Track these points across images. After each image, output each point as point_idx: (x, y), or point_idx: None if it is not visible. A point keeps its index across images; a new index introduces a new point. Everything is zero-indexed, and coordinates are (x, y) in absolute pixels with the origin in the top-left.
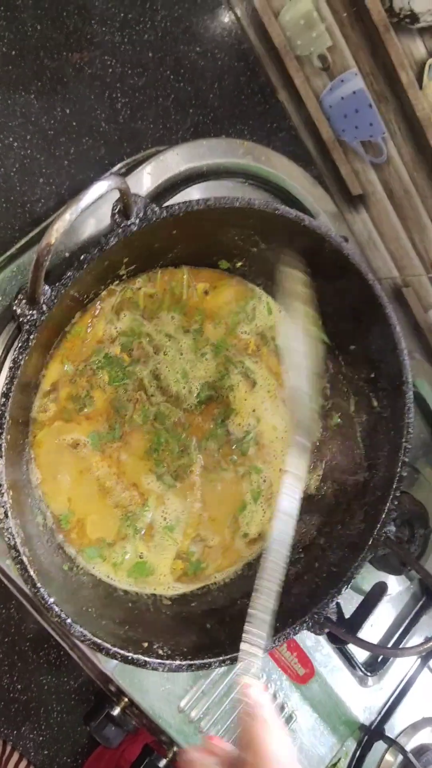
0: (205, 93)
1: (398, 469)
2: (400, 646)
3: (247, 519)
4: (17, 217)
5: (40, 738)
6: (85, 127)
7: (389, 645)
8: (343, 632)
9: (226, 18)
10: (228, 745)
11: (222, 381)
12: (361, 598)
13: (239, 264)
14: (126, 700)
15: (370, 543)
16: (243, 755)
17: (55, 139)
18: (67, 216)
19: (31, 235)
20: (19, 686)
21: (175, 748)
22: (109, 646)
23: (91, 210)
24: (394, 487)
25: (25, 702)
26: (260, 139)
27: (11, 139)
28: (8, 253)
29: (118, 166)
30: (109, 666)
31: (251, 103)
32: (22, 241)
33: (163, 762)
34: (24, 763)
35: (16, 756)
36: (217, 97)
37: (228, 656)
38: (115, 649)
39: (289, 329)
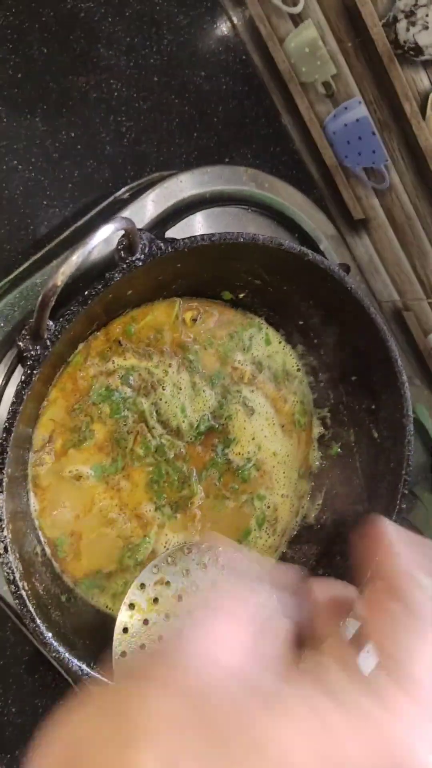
0: (209, 117)
1: (398, 501)
2: None
3: (251, 545)
4: (20, 240)
5: None
6: (89, 150)
7: None
8: None
9: (232, 43)
10: None
11: (221, 410)
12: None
13: (242, 295)
14: None
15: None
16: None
17: (59, 162)
18: (74, 258)
19: (33, 258)
20: (13, 709)
21: None
22: (107, 681)
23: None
24: (393, 518)
25: (19, 726)
26: (263, 163)
27: (15, 162)
28: (10, 277)
29: (123, 190)
30: None
31: (255, 127)
32: (25, 265)
33: None
34: None
35: None
36: (222, 121)
37: None
38: (113, 683)
39: None
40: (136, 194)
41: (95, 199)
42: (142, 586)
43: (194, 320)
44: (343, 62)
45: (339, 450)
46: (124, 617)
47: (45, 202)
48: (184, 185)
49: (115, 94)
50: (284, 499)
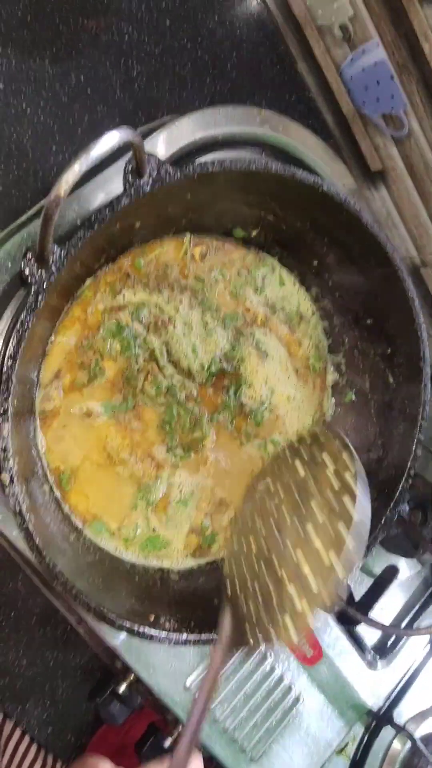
0: (222, 62)
1: (414, 447)
2: None
3: None
4: (29, 185)
5: (45, 715)
6: (99, 95)
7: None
8: (354, 610)
9: None
10: None
11: (233, 353)
12: (371, 581)
13: (255, 233)
14: (132, 677)
15: (383, 522)
16: None
17: (68, 107)
18: (77, 167)
19: (41, 203)
20: (24, 661)
21: (180, 727)
22: (114, 617)
23: (101, 183)
24: (408, 465)
25: (30, 678)
26: (278, 111)
27: (24, 105)
28: (19, 221)
29: None
30: (116, 641)
31: (270, 73)
32: (33, 210)
33: (168, 741)
34: (26, 742)
35: (18, 733)
36: (235, 67)
37: None
38: (121, 620)
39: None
40: (146, 135)
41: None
42: None
43: (203, 256)
44: (360, 3)
45: (353, 396)
46: None
47: (54, 148)
48: (195, 126)
49: (126, 37)
50: None
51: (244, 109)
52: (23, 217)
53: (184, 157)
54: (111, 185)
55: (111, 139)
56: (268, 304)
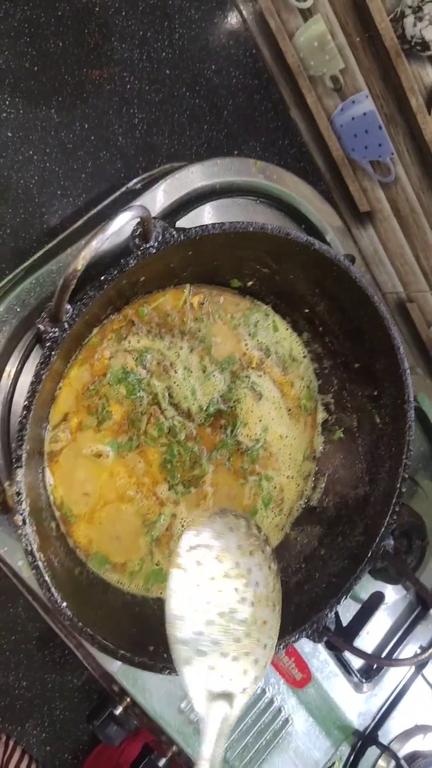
0: (219, 109)
1: (398, 485)
2: (395, 656)
3: (259, 523)
4: (35, 228)
5: (43, 735)
6: (102, 142)
7: (385, 653)
8: (341, 642)
9: (242, 38)
10: None
11: (229, 394)
12: (358, 606)
13: (251, 283)
14: (128, 700)
15: (369, 555)
16: None
17: (73, 153)
18: (94, 244)
19: (48, 246)
20: (24, 683)
21: (174, 748)
22: (115, 648)
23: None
24: (393, 501)
25: (29, 699)
26: (272, 155)
27: (31, 152)
28: (26, 265)
29: (134, 181)
30: (113, 667)
31: (264, 120)
32: (39, 253)
33: (162, 761)
34: (26, 760)
35: (18, 752)
36: (231, 114)
37: None
38: (122, 651)
39: None
40: (148, 185)
41: (107, 190)
42: (190, 548)
43: (201, 304)
44: (351, 56)
45: (342, 435)
46: (175, 582)
47: (59, 192)
48: (194, 176)
49: (128, 86)
50: (290, 480)
51: (241, 161)
52: (30, 260)
53: (183, 206)
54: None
55: (124, 218)
56: (262, 348)
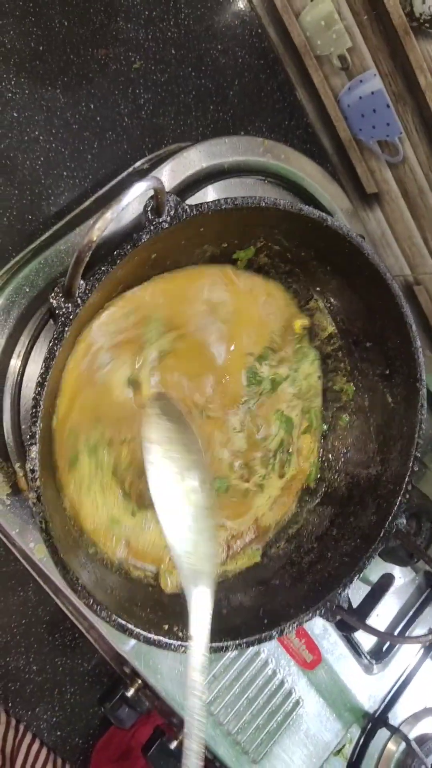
0: (225, 90)
1: (410, 464)
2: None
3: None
4: (41, 210)
5: (53, 719)
6: (108, 122)
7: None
8: (354, 620)
9: (248, 17)
10: None
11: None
12: (368, 589)
13: (263, 260)
14: (140, 681)
15: (381, 534)
16: None
17: (79, 134)
18: (109, 215)
19: (55, 228)
20: (34, 668)
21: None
22: (132, 627)
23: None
24: (406, 481)
25: (39, 683)
26: (278, 136)
27: (37, 133)
28: (32, 246)
29: (141, 161)
30: (126, 648)
31: (270, 100)
32: (46, 234)
33: (174, 744)
34: (37, 744)
35: (29, 737)
36: (237, 94)
37: (244, 640)
38: (138, 630)
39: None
40: (155, 165)
41: (114, 171)
42: None
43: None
44: (358, 35)
45: (353, 415)
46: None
47: (65, 173)
48: (202, 156)
49: (134, 66)
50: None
51: (248, 140)
52: (37, 242)
53: (191, 185)
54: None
55: (139, 188)
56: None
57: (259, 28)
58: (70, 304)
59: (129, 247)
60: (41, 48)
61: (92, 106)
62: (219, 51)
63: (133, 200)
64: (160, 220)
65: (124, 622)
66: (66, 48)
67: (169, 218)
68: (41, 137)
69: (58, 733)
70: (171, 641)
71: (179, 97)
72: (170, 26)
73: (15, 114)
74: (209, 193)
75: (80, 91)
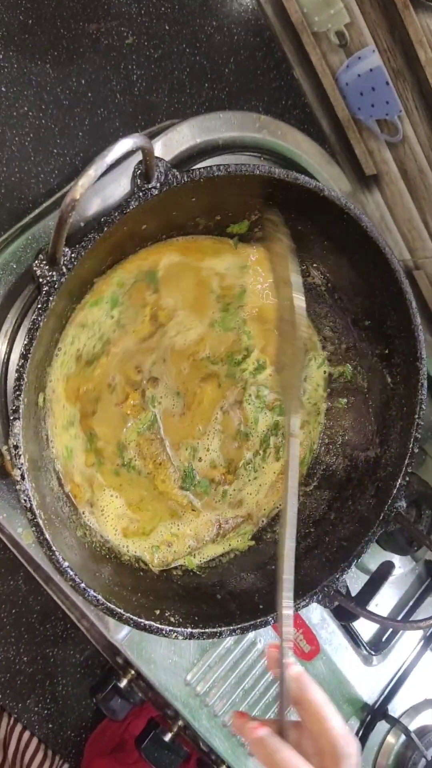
0: (220, 67)
1: (410, 445)
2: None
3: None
4: (30, 188)
5: (45, 711)
6: (100, 99)
7: None
8: (353, 605)
9: None
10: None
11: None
12: (366, 578)
13: (258, 234)
14: (133, 672)
15: (381, 518)
16: (299, 709)
17: (69, 110)
18: (92, 172)
19: (44, 205)
20: (25, 659)
21: (180, 722)
22: (122, 611)
23: (97, 188)
24: (406, 462)
25: (30, 674)
26: (274, 116)
27: (26, 108)
28: (22, 223)
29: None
30: (118, 637)
31: (266, 79)
32: (36, 212)
33: (168, 735)
34: (27, 735)
35: (19, 728)
36: (233, 72)
37: (239, 626)
38: (128, 614)
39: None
40: None
41: (105, 148)
42: None
43: None
44: (356, 10)
45: (352, 396)
46: None
47: (55, 150)
48: (196, 131)
49: (126, 42)
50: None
51: (244, 115)
52: (26, 219)
53: (185, 161)
54: (105, 191)
55: (125, 146)
56: None
57: (255, 4)
58: (54, 272)
59: (117, 214)
60: (30, 21)
61: (83, 82)
62: (214, 27)
63: (122, 161)
64: (149, 186)
65: (113, 606)
66: (56, 21)
67: (158, 184)
68: (30, 113)
69: (50, 725)
70: (162, 626)
71: (173, 74)
72: (164, 1)
73: (3, 89)
74: None
75: (71, 66)
